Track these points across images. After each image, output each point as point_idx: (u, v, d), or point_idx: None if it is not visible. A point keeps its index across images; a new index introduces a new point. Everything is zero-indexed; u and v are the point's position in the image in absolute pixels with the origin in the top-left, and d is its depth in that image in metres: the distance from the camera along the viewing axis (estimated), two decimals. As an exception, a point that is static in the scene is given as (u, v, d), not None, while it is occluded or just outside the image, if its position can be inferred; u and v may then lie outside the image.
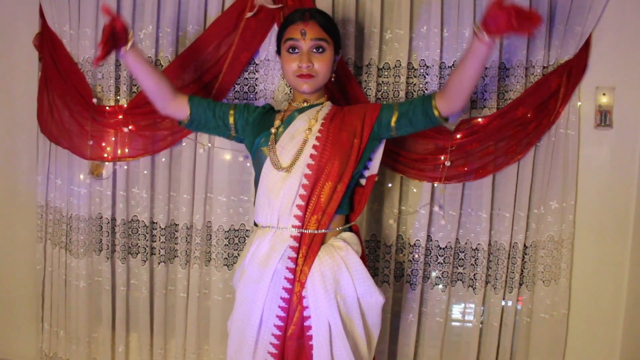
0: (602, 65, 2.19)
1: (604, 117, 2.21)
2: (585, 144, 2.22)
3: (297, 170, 1.69)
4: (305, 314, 1.67)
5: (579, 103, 2.19)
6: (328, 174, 1.69)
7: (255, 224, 1.79)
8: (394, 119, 1.73)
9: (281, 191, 1.68)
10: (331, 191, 1.69)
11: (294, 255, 1.67)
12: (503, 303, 2.25)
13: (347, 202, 1.79)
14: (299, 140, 1.72)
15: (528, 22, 1.41)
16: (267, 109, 1.88)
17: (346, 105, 1.88)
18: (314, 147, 1.70)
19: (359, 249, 1.75)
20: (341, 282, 1.67)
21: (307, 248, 1.67)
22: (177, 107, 1.85)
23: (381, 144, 1.82)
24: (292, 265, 1.67)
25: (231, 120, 1.84)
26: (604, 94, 2.20)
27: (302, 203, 1.68)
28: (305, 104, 1.80)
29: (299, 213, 1.68)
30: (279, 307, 1.68)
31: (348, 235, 1.77)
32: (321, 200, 1.69)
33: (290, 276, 1.67)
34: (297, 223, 1.68)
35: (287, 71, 1.77)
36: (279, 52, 1.82)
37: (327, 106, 1.81)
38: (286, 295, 1.68)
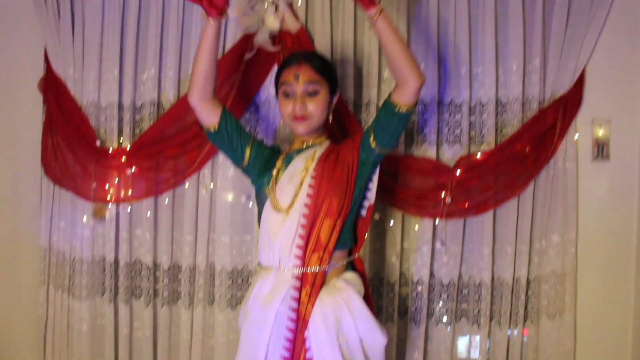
0: (597, 98, 2.23)
1: (601, 150, 2.24)
2: (584, 177, 2.24)
3: (295, 211, 1.70)
4: (308, 355, 1.66)
5: (576, 136, 2.22)
6: (326, 211, 1.70)
7: (259, 264, 1.80)
8: (371, 138, 1.74)
9: (281, 232, 1.70)
10: (331, 228, 1.70)
11: (296, 295, 1.67)
12: (509, 332, 2.23)
13: (348, 236, 1.79)
14: (296, 181, 1.74)
15: None
16: (276, 151, 1.91)
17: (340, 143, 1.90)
18: (310, 186, 1.72)
19: (361, 289, 1.75)
20: (343, 323, 1.67)
21: (311, 286, 1.68)
22: (210, 109, 1.80)
23: (376, 170, 1.82)
24: (295, 305, 1.67)
25: (248, 150, 1.84)
26: (600, 127, 2.23)
27: (302, 242, 1.69)
28: (304, 146, 1.83)
29: (299, 253, 1.69)
30: (284, 347, 1.67)
31: (350, 275, 1.78)
32: (321, 238, 1.70)
33: (294, 316, 1.67)
34: (298, 263, 1.69)
35: (283, 114, 1.81)
36: (277, 94, 1.86)
37: (325, 145, 1.83)
38: (290, 336, 1.67)
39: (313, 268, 1.70)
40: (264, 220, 1.74)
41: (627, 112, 2.23)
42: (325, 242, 1.70)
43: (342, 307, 1.66)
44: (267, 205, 1.74)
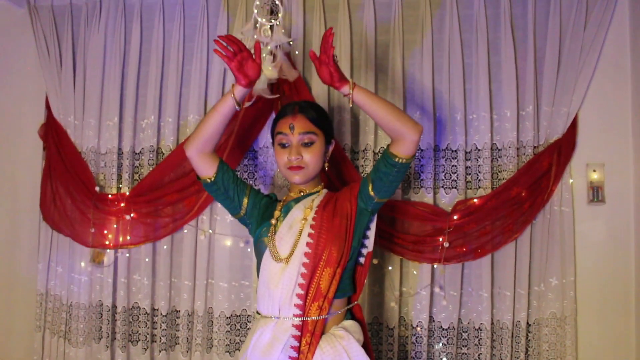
0: (591, 143, 2.27)
1: (596, 193, 2.26)
2: (580, 220, 2.26)
3: (295, 260, 1.71)
4: None
5: (571, 180, 2.25)
6: (326, 260, 1.71)
7: (258, 313, 1.79)
8: (370, 188, 1.76)
9: (280, 282, 1.70)
10: (331, 277, 1.71)
11: (296, 344, 1.67)
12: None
13: (348, 284, 1.80)
14: (295, 230, 1.75)
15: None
16: (273, 199, 1.92)
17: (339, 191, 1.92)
18: (310, 235, 1.73)
19: (360, 337, 1.75)
20: None
21: (310, 335, 1.68)
22: (207, 162, 1.81)
23: (374, 218, 1.84)
24: (295, 354, 1.66)
25: (245, 200, 1.85)
26: (594, 171, 2.26)
27: (302, 292, 1.69)
28: (301, 194, 1.85)
29: (300, 302, 1.69)
30: None
31: (349, 323, 1.78)
32: (321, 287, 1.70)
33: None
34: (299, 312, 1.69)
35: (279, 163, 1.83)
36: (273, 144, 1.89)
37: (322, 194, 1.85)
38: None
39: (313, 317, 1.70)
40: (263, 270, 1.74)
41: (620, 155, 2.27)
42: (325, 291, 1.71)
43: (343, 356, 1.66)
44: (267, 255, 1.74)
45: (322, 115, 1.85)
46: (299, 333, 1.68)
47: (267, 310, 1.73)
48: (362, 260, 1.85)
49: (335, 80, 1.67)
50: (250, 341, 1.75)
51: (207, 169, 1.81)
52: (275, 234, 1.76)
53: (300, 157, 1.78)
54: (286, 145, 1.80)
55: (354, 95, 1.67)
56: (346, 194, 1.81)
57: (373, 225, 1.84)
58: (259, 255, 1.78)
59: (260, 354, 1.69)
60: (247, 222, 1.89)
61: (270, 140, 2.30)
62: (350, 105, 1.77)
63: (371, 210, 1.80)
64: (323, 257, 1.71)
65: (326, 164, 1.86)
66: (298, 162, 1.78)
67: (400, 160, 1.69)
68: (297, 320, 1.69)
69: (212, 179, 1.81)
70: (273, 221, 1.79)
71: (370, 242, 1.84)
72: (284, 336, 1.68)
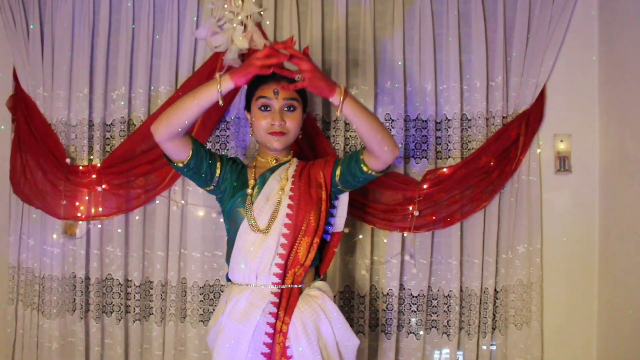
0: (558, 114, 2.31)
1: (563, 163, 2.31)
2: (547, 189, 2.31)
3: (275, 231, 1.73)
4: None
5: (539, 150, 2.29)
6: (305, 230, 1.74)
7: (231, 282, 1.81)
8: (338, 174, 1.79)
9: (259, 252, 1.72)
10: (308, 245, 1.75)
11: (274, 310, 1.70)
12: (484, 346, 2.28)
13: (318, 256, 1.84)
14: (273, 201, 1.76)
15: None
16: (240, 165, 1.89)
17: (310, 161, 1.93)
18: (289, 206, 1.75)
19: (332, 295, 1.82)
20: (321, 328, 1.72)
21: (286, 301, 1.72)
22: (179, 146, 1.72)
23: (340, 198, 1.86)
24: (272, 320, 1.70)
25: (217, 174, 1.81)
26: (561, 141, 2.31)
27: (282, 261, 1.73)
28: (274, 162, 1.86)
29: (279, 271, 1.73)
30: None
31: (321, 283, 1.84)
32: (299, 256, 1.74)
33: (271, 330, 1.70)
34: (277, 280, 1.73)
35: (258, 128, 1.82)
36: (247, 108, 1.88)
37: (294, 163, 1.86)
38: (267, 350, 1.70)
39: (291, 284, 1.74)
40: (240, 240, 1.75)
41: (587, 126, 2.31)
42: (303, 260, 1.75)
43: (319, 314, 1.72)
44: (244, 226, 1.75)
45: None
46: (277, 300, 1.72)
47: (243, 279, 1.76)
48: (327, 237, 1.88)
49: (324, 88, 1.60)
50: (224, 309, 1.76)
51: (179, 152, 1.73)
52: (252, 204, 1.77)
53: (283, 123, 1.78)
54: (268, 109, 1.80)
55: (344, 105, 1.62)
56: (320, 166, 1.83)
57: (342, 206, 1.86)
58: (234, 226, 1.78)
59: (237, 321, 1.71)
60: (217, 193, 1.89)
61: (243, 111, 2.32)
62: (338, 115, 1.73)
63: (334, 191, 1.83)
64: (302, 227, 1.74)
65: (300, 132, 1.87)
66: (281, 128, 1.78)
67: (370, 172, 1.73)
68: (275, 288, 1.73)
69: (185, 162, 1.75)
70: (249, 191, 1.79)
71: (336, 223, 1.87)
72: (261, 302, 1.71)
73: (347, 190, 1.83)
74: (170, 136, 1.69)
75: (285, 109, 1.80)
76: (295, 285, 1.75)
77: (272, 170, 1.84)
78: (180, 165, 1.77)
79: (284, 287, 1.74)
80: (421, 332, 2.30)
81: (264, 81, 1.83)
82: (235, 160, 1.90)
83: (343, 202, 1.88)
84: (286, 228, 1.73)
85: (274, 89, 1.79)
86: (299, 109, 1.82)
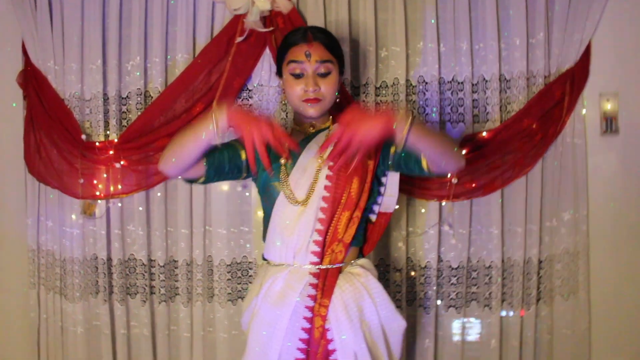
0: (604, 72, 2.15)
1: (609, 124, 2.16)
2: (592, 152, 2.17)
3: (313, 203, 1.59)
4: (330, 347, 1.57)
5: (584, 111, 2.15)
6: (345, 203, 1.60)
7: (267, 261, 1.69)
8: (390, 159, 1.63)
9: (297, 227, 1.59)
10: (347, 220, 1.61)
11: (313, 293, 1.58)
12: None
13: (361, 235, 1.70)
14: (311, 172, 1.62)
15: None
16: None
17: None
18: (328, 177, 1.61)
19: (376, 273, 1.68)
20: (365, 309, 1.59)
21: (323, 281, 1.59)
22: (192, 170, 1.61)
23: (389, 175, 1.71)
24: (311, 303, 1.57)
25: (243, 156, 1.66)
26: (607, 100, 2.16)
27: (320, 238, 1.59)
28: (312, 130, 1.72)
29: (317, 249, 1.59)
30: (298, 349, 1.58)
31: (364, 261, 1.70)
32: (338, 231, 1.60)
33: (309, 314, 1.57)
34: (315, 259, 1.60)
35: (291, 95, 1.67)
36: (279, 74, 1.74)
37: (334, 130, 1.72)
38: (305, 336, 1.58)
39: (329, 264, 1.61)
40: (277, 214, 1.62)
41: (635, 85, 2.15)
42: (342, 236, 1.61)
43: (363, 293, 1.58)
44: (281, 198, 1.61)
45: (336, 42, 1.70)
46: (316, 281, 1.59)
47: (280, 258, 1.63)
48: (372, 217, 1.74)
49: (388, 126, 1.38)
50: (258, 292, 1.65)
51: (194, 173, 1.61)
52: (288, 176, 1.63)
53: (318, 89, 1.63)
54: (301, 75, 1.65)
55: (409, 137, 1.39)
56: None
57: (389, 182, 1.71)
58: (270, 201, 1.65)
59: (273, 303, 1.59)
60: (253, 177, 1.74)
61: (266, 77, 2.19)
62: (401, 148, 1.45)
63: (382, 169, 1.67)
64: (342, 201, 1.60)
65: (338, 96, 1.71)
66: (315, 94, 1.63)
67: (428, 171, 1.57)
68: (314, 268, 1.60)
69: (204, 177, 1.63)
70: (282, 161, 1.65)
71: (385, 202, 1.72)
72: (299, 284, 1.58)
73: (392, 170, 1.67)
74: (182, 172, 1.60)
75: (320, 72, 1.65)
76: (334, 265, 1.61)
77: (309, 138, 1.70)
78: (202, 180, 1.65)
79: (322, 267, 1.60)
80: (461, 306, 2.19)
81: (294, 42, 1.68)
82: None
83: (393, 180, 1.71)
84: (324, 201, 1.59)
85: (305, 51, 1.64)
86: (334, 72, 1.67)
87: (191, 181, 1.66)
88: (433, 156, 1.51)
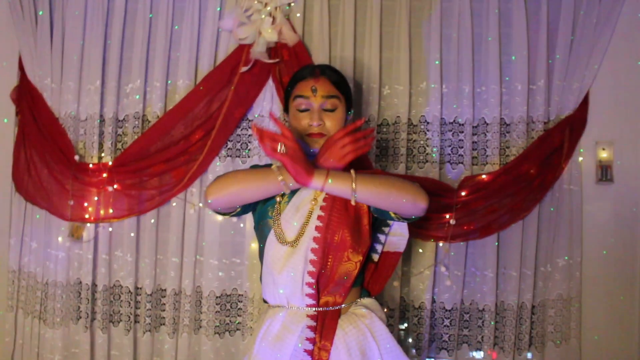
0: (601, 121, 2.20)
1: (604, 172, 2.19)
2: (588, 200, 2.19)
3: (303, 244, 1.54)
4: None
5: (580, 158, 2.18)
6: (337, 246, 1.56)
7: (265, 301, 1.65)
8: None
9: (285, 268, 1.54)
10: (345, 263, 1.56)
11: (312, 335, 1.52)
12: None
13: (360, 275, 1.65)
14: (304, 212, 1.58)
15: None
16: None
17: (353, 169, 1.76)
18: (319, 217, 1.57)
19: (382, 316, 1.62)
20: (368, 354, 1.53)
21: (321, 323, 1.54)
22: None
23: (392, 224, 1.69)
24: (310, 346, 1.52)
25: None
26: (603, 149, 2.19)
27: (312, 280, 1.54)
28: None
29: (311, 291, 1.54)
30: None
31: (369, 301, 1.64)
32: (334, 275, 1.56)
33: (308, 359, 1.52)
34: (311, 302, 1.55)
35: (296, 130, 1.66)
36: (286, 109, 1.72)
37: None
38: None
39: (328, 306, 1.56)
40: (267, 253, 1.58)
41: (631, 134, 2.20)
42: (340, 279, 1.56)
43: (367, 336, 1.53)
44: (271, 237, 1.58)
45: (343, 79, 1.69)
46: (314, 323, 1.53)
47: (274, 299, 1.58)
48: (374, 257, 1.71)
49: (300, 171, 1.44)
50: (259, 331, 1.60)
51: (228, 209, 1.63)
52: (280, 214, 1.60)
53: (322, 123, 1.61)
54: (306, 110, 1.64)
55: (357, 194, 1.46)
56: None
57: (396, 223, 1.68)
58: (262, 238, 1.61)
59: (270, 346, 1.53)
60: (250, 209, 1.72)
61: (268, 108, 2.18)
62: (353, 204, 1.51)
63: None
64: (334, 242, 1.54)
65: None
66: (320, 129, 1.61)
67: (400, 219, 1.57)
68: (311, 311, 1.55)
69: (237, 211, 1.63)
70: (278, 199, 1.62)
71: (389, 240, 1.70)
72: (296, 327, 1.53)
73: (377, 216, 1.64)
74: (226, 208, 1.60)
75: (325, 108, 1.64)
76: (332, 308, 1.57)
77: None
78: (232, 214, 1.66)
79: (319, 309, 1.55)
80: (453, 348, 2.16)
81: (302, 77, 1.67)
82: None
83: (392, 226, 1.69)
84: (315, 242, 1.55)
85: (311, 86, 1.63)
86: (340, 108, 1.66)
87: (222, 214, 1.65)
88: (390, 207, 1.50)
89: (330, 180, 1.46)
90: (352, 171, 1.48)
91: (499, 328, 2.17)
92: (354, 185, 1.46)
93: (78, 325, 2.26)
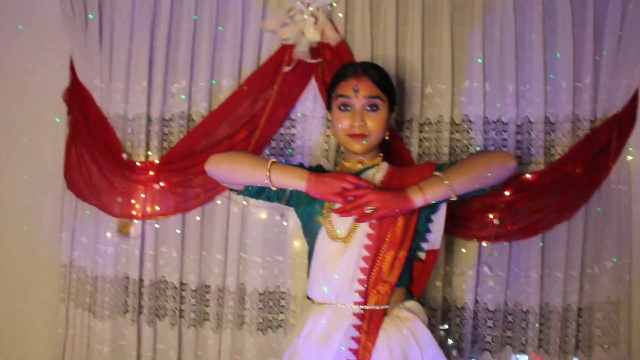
0: (649, 118, 2.13)
1: (654, 172, 2.13)
2: (637, 200, 2.13)
3: (356, 241, 1.56)
4: None
5: (629, 157, 2.12)
6: (390, 242, 1.57)
7: (310, 300, 1.67)
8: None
9: (339, 264, 1.56)
10: (392, 260, 1.58)
11: (357, 335, 1.54)
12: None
13: (407, 275, 1.67)
14: None
15: None
16: (320, 171, 1.76)
17: (402, 167, 1.78)
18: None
19: (425, 319, 1.63)
20: (410, 357, 1.54)
21: (368, 323, 1.55)
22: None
23: (439, 211, 1.69)
24: (355, 345, 1.53)
25: (287, 191, 1.70)
26: (653, 148, 2.13)
27: (364, 277, 1.56)
28: (359, 166, 1.70)
29: (361, 288, 1.56)
30: None
31: (412, 304, 1.65)
32: (383, 271, 1.57)
33: (353, 358, 1.53)
34: (359, 299, 1.57)
35: (338, 130, 1.67)
36: (329, 108, 1.74)
37: (383, 168, 1.71)
38: None
39: (372, 305, 1.57)
40: (319, 250, 1.60)
41: (681, 132, 2.13)
42: (387, 276, 1.57)
43: (409, 339, 1.54)
44: (322, 234, 1.60)
45: (387, 78, 1.70)
46: (360, 322, 1.55)
47: (323, 297, 1.60)
48: (422, 255, 1.71)
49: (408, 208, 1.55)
50: (301, 330, 1.62)
51: (233, 186, 1.74)
52: (331, 211, 1.61)
53: (363, 124, 1.62)
54: (348, 108, 1.65)
55: (456, 188, 1.55)
56: (416, 172, 1.65)
57: (437, 219, 1.68)
58: (312, 236, 1.64)
59: (315, 344, 1.55)
60: (292, 203, 1.74)
61: (311, 107, 2.19)
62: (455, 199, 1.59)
63: (435, 205, 1.65)
64: (387, 239, 1.57)
65: (387, 134, 1.70)
66: (361, 130, 1.62)
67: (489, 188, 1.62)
68: (358, 309, 1.56)
69: (240, 192, 1.74)
70: None
71: (433, 239, 1.69)
72: (342, 325, 1.54)
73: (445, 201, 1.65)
74: (223, 182, 1.75)
75: (367, 108, 1.65)
76: (380, 307, 1.58)
77: (357, 174, 1.68)
78: (238, 193, 1.75)
79: (367, 307, 1.57)
80: (496, 350, 2.14)
81: (344, 77, 1.68)
82: (318, 168, 1.77)
83: (441, 214, 1.69)
84: (368, 239, 1.56)
85: (353, 86, 1.64)
86: (382, 108, 1.66)
87: (238, 192, 1.74)
88: (487, 182, 1.56)
89: (426, 191, 1.51)
90: (434, 173, 1.52)
91: (544, 330, 2.13)
92: (446, 182, 1.51)
93: (125, 319, 2.33)
